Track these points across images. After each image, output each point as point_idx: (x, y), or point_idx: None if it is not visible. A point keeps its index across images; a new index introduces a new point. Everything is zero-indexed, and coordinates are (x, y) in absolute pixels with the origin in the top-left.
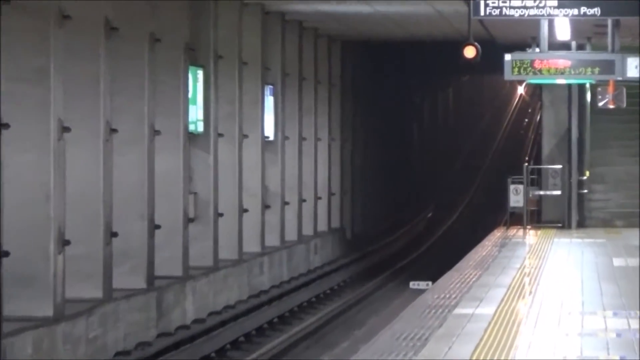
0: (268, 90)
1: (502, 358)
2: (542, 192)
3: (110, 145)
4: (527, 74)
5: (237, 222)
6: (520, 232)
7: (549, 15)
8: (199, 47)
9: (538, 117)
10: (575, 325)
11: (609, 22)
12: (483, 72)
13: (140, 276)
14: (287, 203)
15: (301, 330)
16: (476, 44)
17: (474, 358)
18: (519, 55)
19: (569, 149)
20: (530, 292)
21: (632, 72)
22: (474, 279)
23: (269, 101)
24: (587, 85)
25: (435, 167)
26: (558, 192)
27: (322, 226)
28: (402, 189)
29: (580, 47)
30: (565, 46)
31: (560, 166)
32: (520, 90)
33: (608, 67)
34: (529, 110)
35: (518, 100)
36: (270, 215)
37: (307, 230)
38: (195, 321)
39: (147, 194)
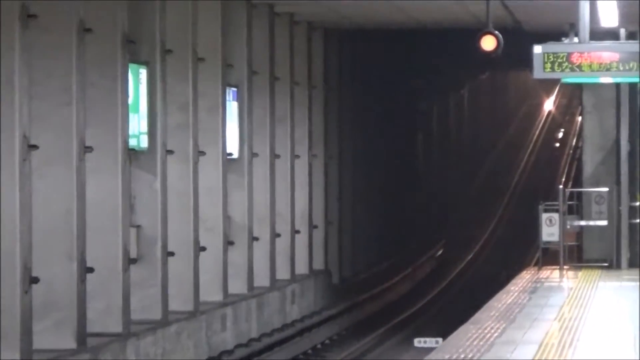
0: (231, 93)
1: None
2: (583, 223)
3: (28, 166)
4: (562, 70)
5: (191, 263)
6: (556, 273)
7: None
8: (141, 39)
9: (578, 126)
10: None
11: None
12: (507, 69)
13: (68, 333)
14: (256, 239)
15: None
16: (497, 33)
17: None
18: (552, 46)
19: (618, 167)
20: (569, 351)
21: None
22: (495, 335)
23: (232, 107)
24: None
25: (447, 191)
26: (604, 223)
27: (302, 268)
28: (404, 220)
29: (632, 36)
30: (611, 35)
31: (606, 189)
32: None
33: None
34: (566, 118)
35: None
36: (235, 255)
37: (283, 273)
38: None
39: (77, 227)
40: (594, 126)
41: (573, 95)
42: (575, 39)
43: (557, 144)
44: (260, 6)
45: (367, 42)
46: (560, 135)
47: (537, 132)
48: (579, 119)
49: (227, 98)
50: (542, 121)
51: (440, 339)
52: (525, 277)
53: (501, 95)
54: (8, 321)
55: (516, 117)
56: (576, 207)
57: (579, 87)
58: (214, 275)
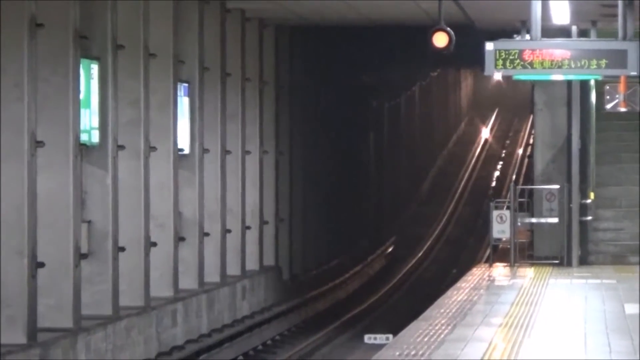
0: (182, 89)
1: None
2: (534, 220)
3: None
4: (514, 67)
5: (142, 258)
6: (507, 270)
7: None
8: (93, 34)
9: (529, 124)
10: None
11: (620, 0)
12: (459, 66)
13: (18, 328)
14: (206, 234)
15: None
16: (449, 29)
17: None
18: (504, 43)
19: (569, 164)
20: (519, 349)
21: None
22: (446, 332)
23: (183, 103)
24: (592, 83)
25: (398, 189)
26: (555, 220)
27: (252, 264)
28: (355, 217)
29: (583, 34)
30: (563, 32)
31: (557, 186)
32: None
33: (618, 59)
34: (516, 119)
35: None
36: (186, 250)
37: (233, 269)
38: None
39: (27, 222)
40: (545, 124)
41: (524, 93)
42: (527, 37)
43: (508, 141)
44: (211, 2)
45: (318, 39)
46: (511, 131)
47: (490, 131)
48: (531, 116)
49: (179, 94)
50: (494, 118)
51: (390, 336)
52: (476, 274)
53: (453, 91)
54: None
55: (469, 113)
56: (527, 204)
57: (531, 84)
58: (164, 271)
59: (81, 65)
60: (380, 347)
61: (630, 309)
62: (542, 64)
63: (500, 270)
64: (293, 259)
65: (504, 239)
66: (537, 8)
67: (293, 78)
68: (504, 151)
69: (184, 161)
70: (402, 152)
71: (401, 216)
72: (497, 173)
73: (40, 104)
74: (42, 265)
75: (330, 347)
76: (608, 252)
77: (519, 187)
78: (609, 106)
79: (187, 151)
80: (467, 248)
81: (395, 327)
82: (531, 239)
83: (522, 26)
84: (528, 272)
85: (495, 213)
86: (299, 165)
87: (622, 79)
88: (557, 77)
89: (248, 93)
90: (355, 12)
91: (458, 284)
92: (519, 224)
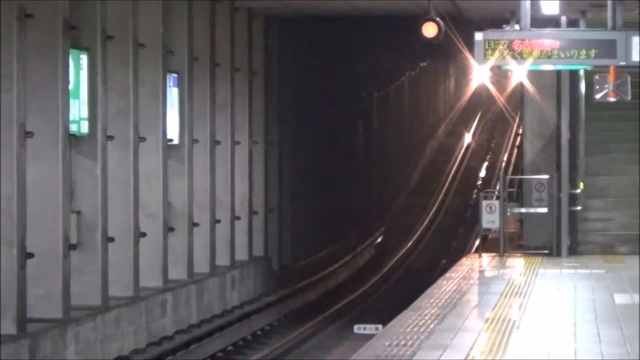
0: (171, 79)
1: None
2: (523, 210)
3: None
4: (503, 57)
5: (131, 249)
6: (496, 260)
7: None
8: (82, 24)
9: (519, 114)
10: None
11: None
12: (448, 56)
13: (8, 319)
14: (196, 225)
15: None
16: (438, 20)
17: None
18: (493, 34)
19: (558, 155)
20: (508, 339)
21: (637, 56)
22: (436, 322)
23: (173, 94)
24: (581, 73)
25: (387, 179)
26: (544, 210)
27: (242, 254)
28: (344, 207)
29: (573, 24)
30: (552, 22)
31: (546, 176)
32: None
33: (608, 48)
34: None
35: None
36: (175, 241)
37: (222, 259)
38: None
39: (17, 213)
40: (535, 114)
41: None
42: (517, 27)
43: (497, 131)
44: None
45: (307, 29)
46: (500, 123)
47: (478, 119)
48: (521, 106)
49: (168, 84)
50: (481, 113)
51: (380, 326)
52: (465, 264)
53: (442, 82)
54: None
55: (459, 103)
56: (517, 194)
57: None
58: (154, 261)
59: (70, 56)
60: (369, 337)
61: (620, 298)
62: (531, 54)
63: (489, 261)
64: (282, 249)
65: (493, 229)
66: None
67: (282, 68)
68: (493, 141)
69: (173, 151)
70: (391, 141)
71: (390, 206)
72: (486, 163)
73: (29, 94)
74: (31, 255)
75: (320, 337)
76: (597, 242)
77: (509, 177)
78: (598, 96)
79: (176, 141)
80: (457, 238)
81: (384, 317)
82: (521, 229)
83: (511, 16)
84: (517, 262)
85: (484, 203)
86: (288, 155)
87: (612, 68)
88: (547, 67)
89: (237, 83)
90: (345, 2)
91: (448, 274)
92: (509, 214)
